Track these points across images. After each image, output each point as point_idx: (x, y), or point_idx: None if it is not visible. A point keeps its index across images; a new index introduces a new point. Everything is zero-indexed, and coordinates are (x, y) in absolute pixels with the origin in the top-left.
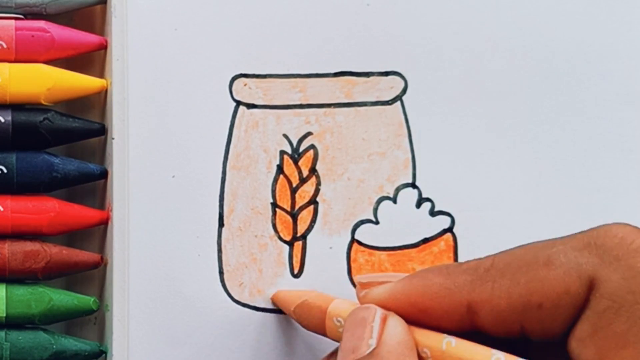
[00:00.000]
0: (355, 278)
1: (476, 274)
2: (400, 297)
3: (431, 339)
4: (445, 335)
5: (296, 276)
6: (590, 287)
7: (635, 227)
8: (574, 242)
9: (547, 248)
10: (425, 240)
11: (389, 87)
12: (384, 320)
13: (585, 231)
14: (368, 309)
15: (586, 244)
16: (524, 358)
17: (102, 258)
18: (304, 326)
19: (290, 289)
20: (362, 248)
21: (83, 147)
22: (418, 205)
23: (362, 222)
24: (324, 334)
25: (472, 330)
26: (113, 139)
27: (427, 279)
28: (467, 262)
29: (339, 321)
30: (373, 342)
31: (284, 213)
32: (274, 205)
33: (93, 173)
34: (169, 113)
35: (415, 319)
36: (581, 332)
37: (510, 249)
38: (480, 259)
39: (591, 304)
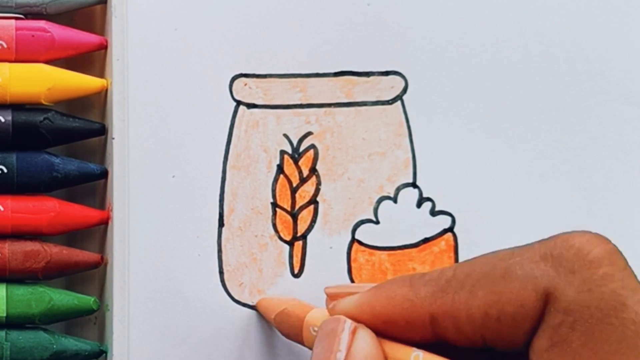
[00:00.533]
0: (325, 289)
1: (438, 285)
2: (366, 308)
3: (399, 353)
4: (414, 349)
5: (296, 276)
6: (546, 300)
7: (596, 235)
8: (530, 253)
9: (506, 259)
10: (426, 240)
11: (390, 87)
12: (353, 333)
13: (543, 240)
14: (337, 320)
15: (543, 255)
16: None
17: (102, 258)
18: (284, 335)
19: (280, 293)
20: (363, 248)
21: (83, 147)
22: (418, 205)
23: (363, 221)
24: (302, 344)
25: (437, 341)
26: (113, 138)
27: (391, 291)
28: (431, 272)
29: (315, 331)
30: (341, 356)
31: (284, 213)
32: (274, 205)
33: (93, 173)
34: (169, 113)
35: (381, 330)
36: (539, 346)
37: (472, 259)
38: (444, 269)
39: (547, 317)
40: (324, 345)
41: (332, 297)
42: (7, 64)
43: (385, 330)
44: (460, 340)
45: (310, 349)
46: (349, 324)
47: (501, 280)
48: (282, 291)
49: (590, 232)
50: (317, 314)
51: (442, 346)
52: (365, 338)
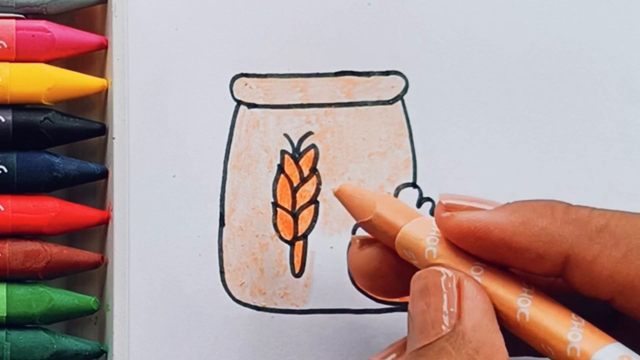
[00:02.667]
0: (440, 196)
1: (585, 229)
2: (494, 229)
3: (506, 297)
4: (522, 293)
5: (297, 276)
6: None
7: None
8: None
9: None
10: None
11: (390, 87)
12: (459, 287)
13: None
14: (438, 273)
15: None
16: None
17: (102, 258)
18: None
19: (281, 293)
20: None
21: (84, 147)
22: (419, 205)
23: None
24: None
25: (558, 278)
26: (114, 138)
27: (528, 218)
28: (577, 209)
29: (410, 254)
30: (453, 319)
31: (284, 212)
32: (275, 204)
33: (94, 173)
34: (169, 113)
35: (500, 257)
36: None
37: (633, 215)
38: (592, 210)
39: None
40: (428, 304)
41: (448, 207)
42: (7, 64)
43: (508, 258)
44: (587, 292)
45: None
46: (453, 277)
47: None
48: (282, 291)
49: None
50: (412, 231)
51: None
52: (477, 294)
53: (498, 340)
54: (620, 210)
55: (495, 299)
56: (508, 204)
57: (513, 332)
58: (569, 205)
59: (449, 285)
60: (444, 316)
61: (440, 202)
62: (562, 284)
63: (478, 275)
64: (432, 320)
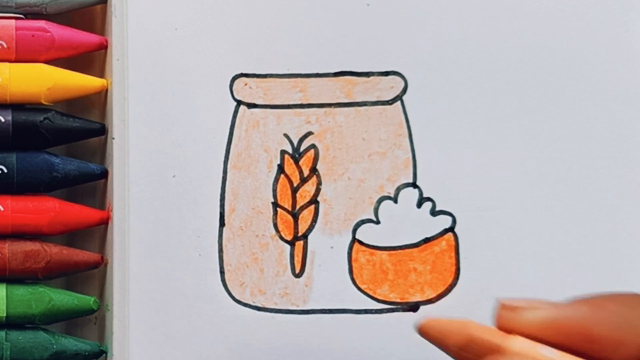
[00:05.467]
0: (499, 300)
1: None
2: (566, 322)
3: None
4: None
5: (297, 276)
6: None
7: None
8: None
9: None
10: (427, 240)
11: (390, 87)
12: None
13: None
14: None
15: None
16: None
17: (102, 258)
18: None
19: (280, 292)
20: (363, 248)
21: (83, 147)
22: (419, 205)
23: (363, 221)
24: None
25: None
26: (113, 138)
27: (602, 306)
28: None
29: None
30: None
31: (284, 213)
32: (275, 204)
33: (93, 173)
34: (169, 113)
35: (579, 349)
36: None
37: None
38: None
39: None
40: None
41: (509, 308)
42: (7, 64)
43: (586, 349)
44: None
45: None
46: None
47: None
48: (283, 291)
49: None
50: (521, 345)
51: None
52: None
53: None
54: None
55: None
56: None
57: None
58: (635, 293)
59: None
60: None
61: (501, 305)
62: None
63: None
64: None
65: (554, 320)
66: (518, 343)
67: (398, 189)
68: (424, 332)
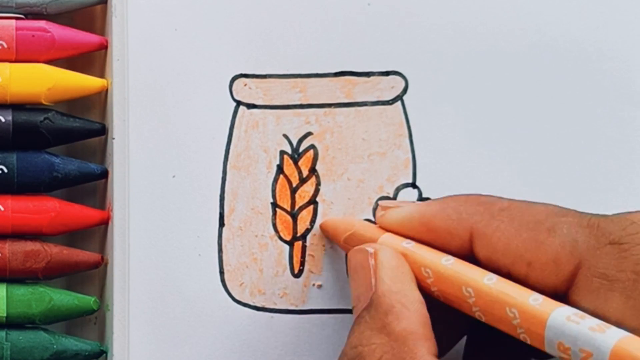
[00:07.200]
0: (379, 202)
1: (490, 209)
2: (416, 215)
3: (431, 258)
4: (445, 255)
5: (296, 276)
6: (579, 265)
7: None
8: (579, 218)
9: (559, 215)
10: None
11: (390, 87)
12: (375, 257)
13: (599, 215)
14: (361, 251)
15: (590, 223)
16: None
17: (102, 258)
18: None
19: (281, 292)
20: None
21: (83, 147)
22: None
23: None
24: None
25: (470, 258)
26: (113, 139)
27: (445, 203)
28: (488, 196)
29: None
30: (373, 282)
31: (284, 213)
32: (274, 205)
33: (93, 173)
34: (169, 113)
35: (425, 239)
36: (576, 302)
37: (531, 202)
38: (500, 198)
39: (581, 281)
40: (357, 280)
41: (383, 208)
42: (7, 64)
43: (428, 238)
44: (489, 265)
45: None
46: (370, 250)
47: (545, 232)
48: (282, 291)
49: None
50: (387, 240)
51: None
52: (388, 257)
53: (409, 300)
54: (526, 201)
55: (463, 278)
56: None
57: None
58: (482, 194)
59: (370, 260)
60: (366, 291)
61: (378, 205)
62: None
63: (449, 264)
64: (358, 296)
65: (410, 216)
66: (385, 237)
67: (397, 189)
68: (322, 229)
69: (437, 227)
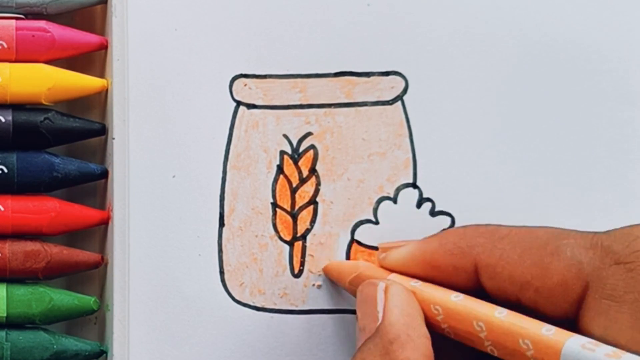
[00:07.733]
0: (378, 245)
1: (491, 238)
2: (418, 254)
3: (440, 295)
4: (453, 292)
5: (296, 276)
6: (586, 287)
7: None
8: (582, 240)
9: (560, 238)
10: None
11: (390, 87)
12: (385, 291)
13: (601, 232)
14: (372, 284)
15: (593, 243)
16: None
17: (102, 258)
18: None
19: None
20: (362, 248)
21: (83, 147)
22: (418, 205)
23: (362, 222)
24: None
25: (478, 290)
26: (113, 139)
27: (444, 238)
28: (487, 225)
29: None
30: (380, 316)
31: (284, 213)
32: (274, 205)
33: (93, 173)
34: (169, 113)
35: (429, 276)
36: (586, 325)
37: (531, 227)
38: (500, 226)
39: (590, 302)
40: (365, 311)
41: (383, 249)
42: (7, 64)
43: (433, 275)
44: (497, 295)
45: None
46: (381, 285)
47: (549, 256)
48: (282, 291)
49: None
50: (396, 279)
51: (482, 297)
52: (399, 297)
53: (416, 333)
54: (525, 226)
55: (474, 312)
56: (435, 234)
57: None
58: (481, 224)
59: (380, 294)
60: (372, 322)
61: (379, 247)
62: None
63: (459, 300)
64: (364, 326)
65: (411, 256)
66: (392, 277)
67: (397, 189)
68: (326, 272)
69: (440, 263)
